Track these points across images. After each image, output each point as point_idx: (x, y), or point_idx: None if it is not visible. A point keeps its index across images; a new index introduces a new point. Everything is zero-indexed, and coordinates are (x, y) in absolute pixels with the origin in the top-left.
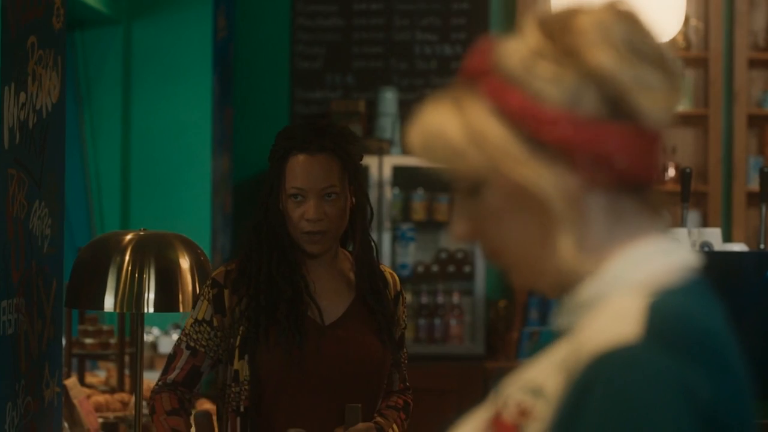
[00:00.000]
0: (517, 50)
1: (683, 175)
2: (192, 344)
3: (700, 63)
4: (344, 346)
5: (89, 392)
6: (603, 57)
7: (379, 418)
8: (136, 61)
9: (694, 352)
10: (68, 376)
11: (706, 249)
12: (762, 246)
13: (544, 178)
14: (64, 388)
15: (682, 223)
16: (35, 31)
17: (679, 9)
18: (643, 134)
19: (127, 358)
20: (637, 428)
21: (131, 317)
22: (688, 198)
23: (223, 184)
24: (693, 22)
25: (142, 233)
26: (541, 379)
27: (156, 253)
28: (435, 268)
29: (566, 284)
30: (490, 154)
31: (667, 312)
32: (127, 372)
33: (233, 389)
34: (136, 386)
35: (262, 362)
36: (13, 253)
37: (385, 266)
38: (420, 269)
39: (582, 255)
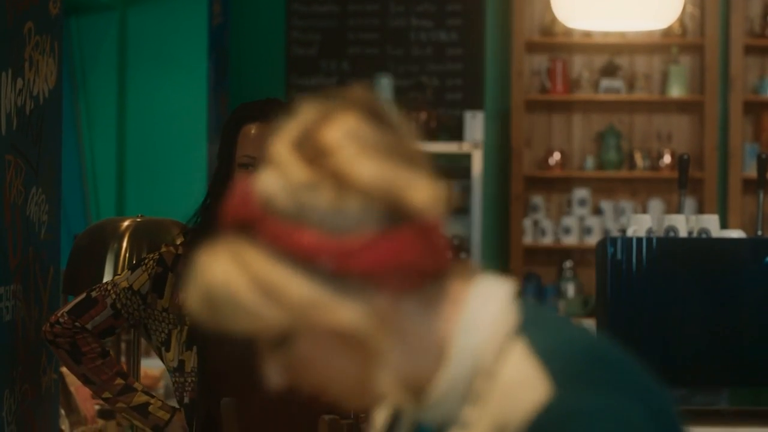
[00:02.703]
0: (284, 187)
1: (681, 162)
2: (119, 306)
3: (696, 49)
4: None
5: None
6: (368, 169)
7: None
8: (132, 47)
9: (612, 382)
10: None
11: (704, 236)
12: (760, 232)
13: (354, 312)
14: (61, 375)
15: (679, 209)
16: (32, 16)
17: None
18: (427, 229)
19: (123, 345)
20: None
21: None
22: (685, 185)
23: None
24: (689, 8)
25: (139, 219)
26: None
27: (153, 239)
28: None
29: (413, 389)
30: (290, 305)
31: (552, 353)
32: (123, 359)
33: (177, 379)
34: (132, 373)
35: (212, 355)
36: (10, 239)
37: None
38: None
39: (413, 365)
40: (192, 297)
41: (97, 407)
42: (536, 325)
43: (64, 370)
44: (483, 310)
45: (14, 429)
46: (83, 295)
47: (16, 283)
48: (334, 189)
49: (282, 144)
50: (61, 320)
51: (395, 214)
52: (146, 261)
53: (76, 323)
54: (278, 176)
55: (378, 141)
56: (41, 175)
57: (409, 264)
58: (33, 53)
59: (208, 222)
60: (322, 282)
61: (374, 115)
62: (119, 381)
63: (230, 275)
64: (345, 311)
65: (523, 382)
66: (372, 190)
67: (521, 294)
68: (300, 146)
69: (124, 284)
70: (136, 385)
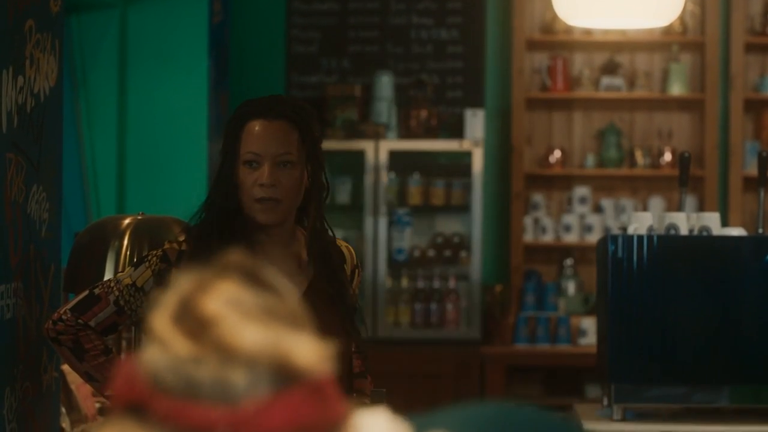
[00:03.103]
0: (168, 363)
1: (682, 160)
2: (122, 303)
3: (697, 47)
4: None
5: None
6: (251, 336)
7: None
8: (132, 45)
9: None
10: None
11: (705, 233)
12: (761, 230)
13: None
14: (62, 373)
15: (680, 207)
16: (33, 14)
17: None
18: (318, 386)
19: (124, 343)
20: None
21: None
22: (686, 182)
23: None
24: (690, 6)
25: (140, 217)
26: None
27: (154, 237)
28: (431, 253)
29: None
30: None
31: None
32: (124, 357)
33: None
34: None
35: None
36: (11, 237)
37: (341, 240)
38: (416, 254)
39: None
40: None
41: (98, 405)
42: None
43: (65, 367)
44: None
45: (15, 427)
46: (86, 292)
47: (16, 281)
48: (219, 360)
49: (162, 318)
50: (64, 317)
51: (284, 377)
52: (149, 257)
53: (79, 320)
54: (161, 352)
55: (258, 305)
56: (42, 173)
57: (305, 423)
58: (34, 51)
59: (211, 219)
60: None
61: (252, 278)
62: None
63: None
64: None
65: None
66: (257, 357)
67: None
68: (180, 320)
69: (128, 281)
70: None
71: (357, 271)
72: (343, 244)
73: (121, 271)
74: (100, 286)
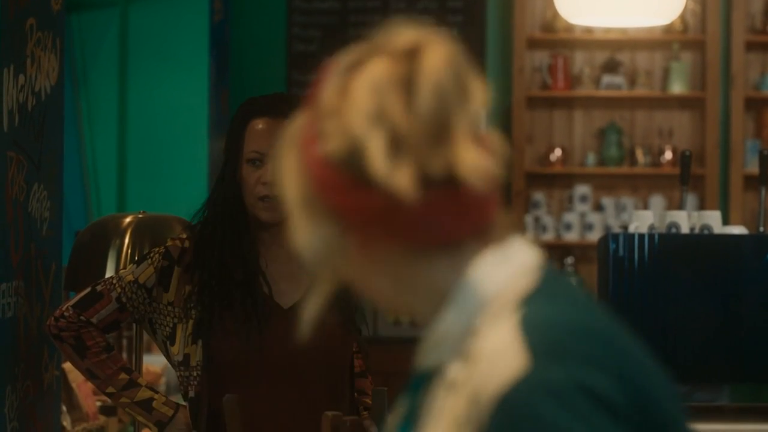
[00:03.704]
0: (330, 91)
1: (683, 158)
2: (124, 300)
3: (698, 46)
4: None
5: None
6: (355, 127)
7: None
8: (133, 43)
9: (582, 354)
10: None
11: (706, 232)
12: (762, 229)
13: (323, 236)
14: (63, 372)
15: (681, 206)
16: (34, 12)
17: None
18: (407, 206)
19: (125, 342)
20: None
21: None
22: (687, 181)
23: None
24: (690, 4)
25: (141, 216)
26: None
27: (155, 235)
28: None
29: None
30: (292, 207)
31: (540, 326)
32: (125, 355)
33: (182, 372)
34: (134, 369)
35: (218, 348)
36: (12, 235)
37: None
38: None
39: (413, 305)
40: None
41: (98, 404)
42: (543, 296)
43: (66, 366)
44: (495, 271)
45: (16, 425)
46: (88, 289)
47: (17, 280)
48: (337, 118)
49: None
50: (66, 314)
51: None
52: (152, 255)
53: (81, 317)
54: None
55: (384, 105)
56: (43, 171)
57: (376, 220)
58: (35, 49)
59: (214, 217)
60: (304, 197)
61: (413, 76)
62: (123, 376)
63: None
64: (305, 228)
65: (502, 353)
66: (355, 137)
67: (548, 264)
68: (348, 68)
69: (130, 278)
70: (140, 380)
71: None
72: None
73: (123, 269)
74: (103, 283)
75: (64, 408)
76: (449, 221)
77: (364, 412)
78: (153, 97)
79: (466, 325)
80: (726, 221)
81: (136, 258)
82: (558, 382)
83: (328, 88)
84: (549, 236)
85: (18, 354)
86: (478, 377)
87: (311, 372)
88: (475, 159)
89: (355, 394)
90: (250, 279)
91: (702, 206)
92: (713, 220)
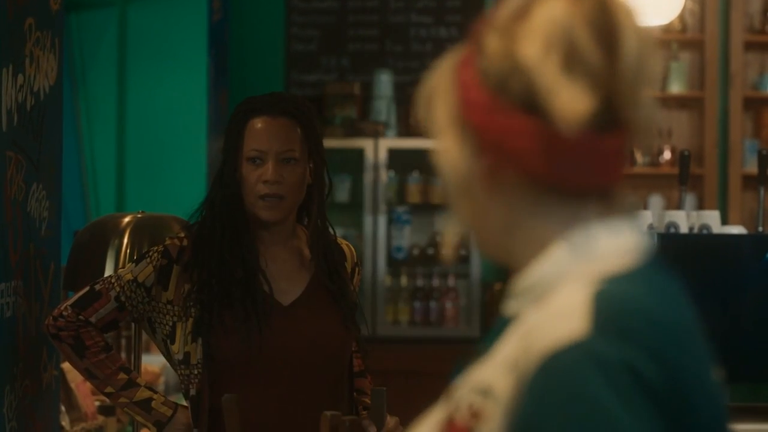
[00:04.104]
0: (506, 13)
1: (682, 158)
2: (123, 299)
3: (696, 45)
4: (304, 326)
5: None
6: (530, 50)
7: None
8: (131, 43)
9: (641, 338)
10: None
11: (705, 232)
12: (761, 229)
13: (458, 155)
14: (62, 372)
15: (680, 205)
16: (33, 12)
17: None
18: (556, 136)
19: (123, 342)
20: (594, 425)
21: None
22: (686, 181)
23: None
24: (689, 4)
25: (140, 216)
26: (491, 380)
27: (154, 235)
28: (430, 251)
29: (512, 267)
30: (436, 126)
31: (613, 302)
32: (123, 355)
33: (182, 371)
34: (133, 369)
35: (218, 346)
36: (11, 235)
37: (341, 239)
38: (415, 252)
39: (513, 251)
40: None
41: (97, 403)
42: (631, 279)
43: (64, 366)
44: (602, 240)
45: (15, 425)
46: (87, 288)
47: (16, 280)
48: (502, 45)
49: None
50: (64, 313)
51: (534, 105)
52: (151, 253)
53: (80, 316)
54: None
55: (565, 39)
56: (42, 171)
57: (514, 151)
58: (34, 49)
59: (213, 215)
60: (452, 115)
61: (594, 18)
62: (122, 376)
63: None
64: (453, 147)
65: (567, 313)
66: (521, 69)
67: (651, 254)
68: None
69: (129, 276)
70: (139, 380)
71: (357, 269)
72: (343, 243)
73: (122, 268)
74: (101, 282)
75: (62, 408)
76: (588, 167)
77: (363, 412)
78: (152, 97)
79: (555, 280)
80: (725, 221)
81: (135, 257)
82: (608, 355)
83: (504, 10)
84: None
85: (17, 354)
86: (537, 329)
87: (311, 371)
88: (653, 110)
89: (354, 393)
90: (250, 277)
91: (701, 206)
92: (712, 219)
